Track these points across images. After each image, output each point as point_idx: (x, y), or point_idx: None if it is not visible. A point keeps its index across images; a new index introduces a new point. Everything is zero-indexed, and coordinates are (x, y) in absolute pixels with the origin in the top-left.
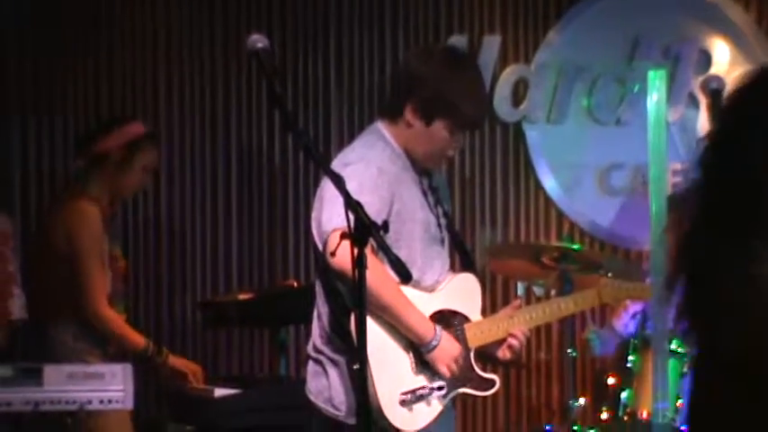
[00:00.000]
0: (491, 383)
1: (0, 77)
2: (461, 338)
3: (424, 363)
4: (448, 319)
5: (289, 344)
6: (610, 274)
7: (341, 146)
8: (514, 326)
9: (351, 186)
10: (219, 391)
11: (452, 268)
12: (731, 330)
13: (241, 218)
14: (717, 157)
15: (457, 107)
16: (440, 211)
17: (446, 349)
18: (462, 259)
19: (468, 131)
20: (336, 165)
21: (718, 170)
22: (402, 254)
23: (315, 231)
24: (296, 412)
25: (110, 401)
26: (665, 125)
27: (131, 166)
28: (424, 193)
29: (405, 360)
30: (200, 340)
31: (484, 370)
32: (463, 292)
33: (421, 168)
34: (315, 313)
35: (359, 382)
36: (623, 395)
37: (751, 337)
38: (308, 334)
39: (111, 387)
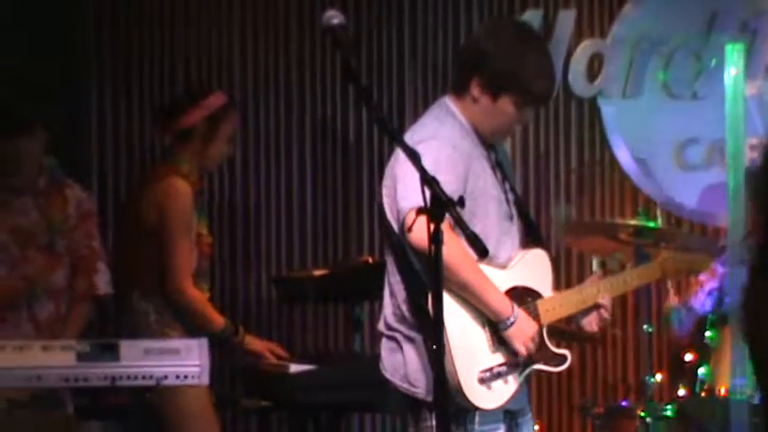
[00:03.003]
0: (563, 359)
1: (78, 51)
2: (534, 315)
3: (500, 340)
4: (521, 295)
5: (364, 320)
6: (670, 247)
7: (415, 120)
8: (584, 302)
9: (425, 164)
10: (294, 367)
11: (522, 244)
12: None
13: (315, 193)
14: None
15: (523, 82)
16: (507, 186)
17: (522, 327)
18: (531, 235)
19: (535, 107)
20: (407, 142)
21: None
22: (477, 231)
23: (388, 208)
24: (371, 389)
25: (185, 377)
26: (743, 100)
27: (217, 137)
28: (493, 169)
29: (482, 338)
30: (276, 316)
31: (557, 346)
32: (535, 269)
33: (487, 143)
34: (386, 290)
35: (436, 359)
36: (700, 371)
37: None
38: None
39: (188, 362)
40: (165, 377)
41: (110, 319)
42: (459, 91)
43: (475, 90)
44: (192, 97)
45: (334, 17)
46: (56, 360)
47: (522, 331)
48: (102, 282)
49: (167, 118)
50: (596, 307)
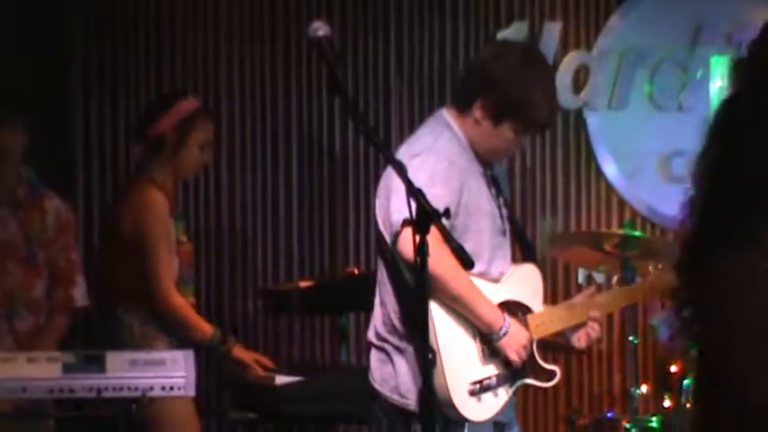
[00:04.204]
0: (552, 374)
1: (63, 60)
2: (525, 328)
3: (491, 353)
4: (512, 309)
5: (350, 331)
6: (660, 266)
7: (401, 132)
8: (574, 318)
9: (420, 177)
10: (281, 379)
11: (513, 259)
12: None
13: (302, 205)
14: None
15: (527, 112)
16: (501, 201)
17: (515, 336)
18: (523, 250)
19: (535, 134)
20: (403, 154)
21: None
22: (469, 246)
23: (381, 220)
24: (358, 400)
25: (171, 388)
26: None
27: (187, 144)
28: (488, 185)
29: (473, 350)
30: (262, 328)
31: (545, 359)
32: (526, 283)
33: (484, 159)
34: (377, 301)
35: (424, 370)
36: (686, 382)
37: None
38: (370, 321)
39: (173, 373)
40: (151, 388)
41: (94, 331)
42: (461, 108)
43: (477, 112)
44: (162, 103)
45: (319, 29)
46: (41, 371)
47: (516, 340)
48: (80, 294)
49: (140, 126)
50: (584, 323)
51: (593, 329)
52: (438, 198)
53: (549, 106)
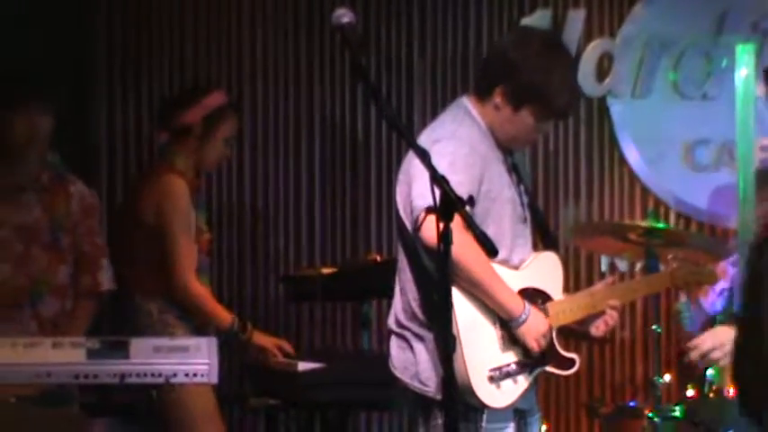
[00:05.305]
0: (572, 363)
1: (87, 46)
2: (545, 316)
3: (511, 339)
4: (532, 297)
5: (372, 318)
6: (681, 256)
7: (424, 118)
8: (594, 306)
9: (442, 164)
10: (303, 365)
11: (534, 247)
12: None
13: (324, 191)
14: None
15: (547, 98)
16: (522, 189)
17: (535, 324)
18: (544, 238)
19: (555, 121)
20: (425, 140)
21: None
22: (490, 233)
23: (401, 206)
24: (380, 387)
25: (194, 375)
26: (753, 100)
27: (213, 137)
28: (509, 172)
29: (493, 337)
30: (283, 314)
31: (565, 348)
32: (546, 271)
33: (504, 147)
34: (397, 288)
35: (445, 357)
36: (709, 372)
37: None
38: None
39: (197, 360)
40: (175, 375)
41: (112, 318)
42: (482, 95)
43: (498, 98)
44: (192, 95)
45: (343, 15)
46: (66, 357)
47: (535, 328)
48: (106, 278)
49: (165, 115)
50: (603, 312)
51: (611, 317)
52: (459, 184)
53: (569, 93)
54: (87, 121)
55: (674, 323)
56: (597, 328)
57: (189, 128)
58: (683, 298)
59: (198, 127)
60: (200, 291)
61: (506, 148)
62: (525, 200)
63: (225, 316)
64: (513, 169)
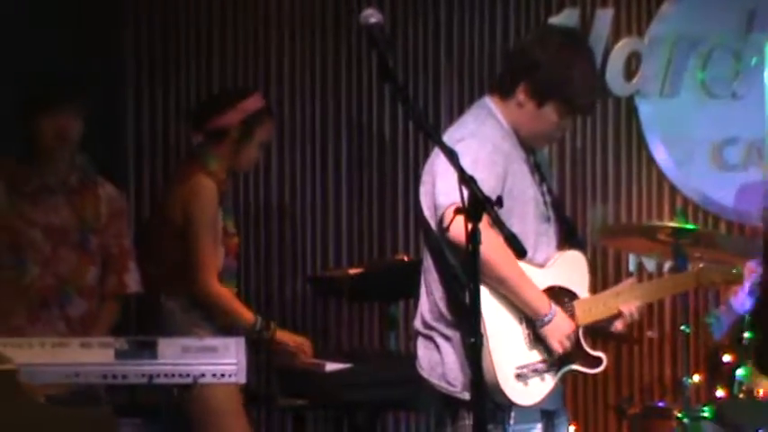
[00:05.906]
0: (599, 361)
1: (116, 50)
2: (571, 315)
3: (537, 337)
4: (558, 295)
5: (399, 318)
6: (706, 257)
7: (451, 117)
8: (621, 304)
9: (465, 162)
10: (330, 366)
11: (559, 246)
12: None
13: (351, 192)
14: None
15: (569, 93)
16: (545, 188)
17: (559, 325)
18: (568, 237)
19: (577, 117)
20: (447, 140)
21: None
22: (515, 231)
23: (426, 206)
24: (406, 387)
25: (222, 375)
26: None
27: (250, 141)
28: (532, 171)
29: (519, 335)
30: (311, 315)
31: (592, 347)
32: (572, 270)
33: (527, 146)
34: (423, 289)
35: (473, 356)
36: (739, 373)
37: None
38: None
39: (225, 360)
40: (203, 375)
41: (139, 318)
42: (504, 94)
43: (521, 95)
44: (230, 98)
45: (371, 16)
46: (95, 357)
47: (559, 329)
48: (132, 280)
49: (201, 117)
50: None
51: (628, 315)
52: (483, 183)
53: (591, 89)
54: (115, 123)
55: (702, 332)
56: (617, 326)
57: (226, 131)
58: (712, 309)
59: (235, 130)
60: (222, 291)
61: (529, 148)
62: (548, 199)
63: (248, 315)
64: (536, 168)
